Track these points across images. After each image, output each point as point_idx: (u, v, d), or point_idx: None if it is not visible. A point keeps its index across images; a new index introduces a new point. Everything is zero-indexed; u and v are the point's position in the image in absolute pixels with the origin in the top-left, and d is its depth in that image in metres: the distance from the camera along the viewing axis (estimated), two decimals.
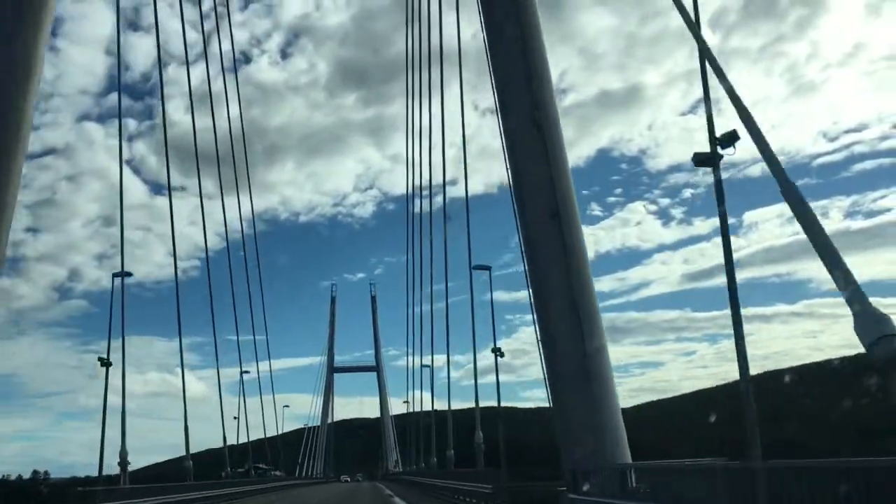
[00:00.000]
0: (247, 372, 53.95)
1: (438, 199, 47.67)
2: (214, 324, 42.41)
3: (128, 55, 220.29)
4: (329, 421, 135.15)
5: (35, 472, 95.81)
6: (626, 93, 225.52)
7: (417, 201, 55.33)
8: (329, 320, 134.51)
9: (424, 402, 62.65)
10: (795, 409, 70.53)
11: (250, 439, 61.52)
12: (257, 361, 57.70)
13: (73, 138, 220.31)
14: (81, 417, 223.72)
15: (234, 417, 53.28)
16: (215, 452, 52.63)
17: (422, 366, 57.52)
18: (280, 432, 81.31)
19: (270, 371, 67.01)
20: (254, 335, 56.05)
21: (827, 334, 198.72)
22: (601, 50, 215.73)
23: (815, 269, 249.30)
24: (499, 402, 32.19)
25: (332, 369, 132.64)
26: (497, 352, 32.63)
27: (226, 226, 48.80)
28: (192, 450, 42.22)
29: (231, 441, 51.37)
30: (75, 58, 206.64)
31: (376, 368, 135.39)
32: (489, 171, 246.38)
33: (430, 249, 44.77)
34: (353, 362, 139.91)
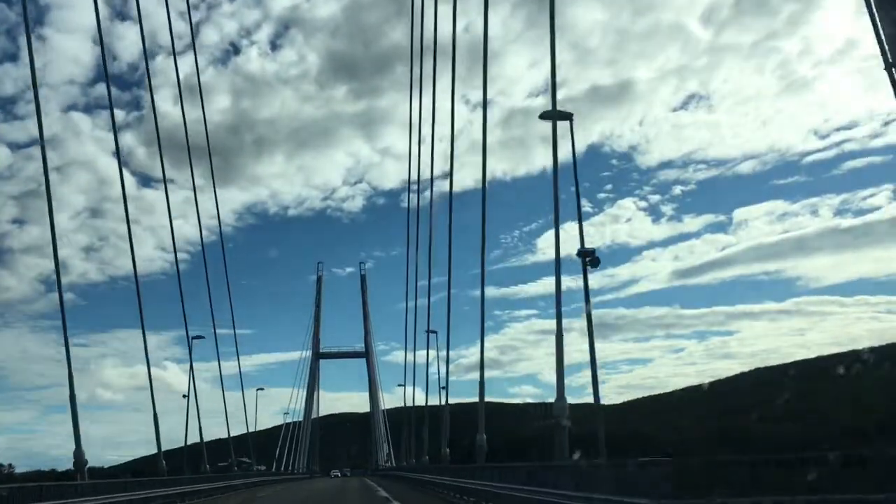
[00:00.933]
0: (200, 337, 45.10)
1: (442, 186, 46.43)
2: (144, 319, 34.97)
3: (115, 44, 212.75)
4: (315, 413, 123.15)
5: None
6: (617, 88, 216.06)
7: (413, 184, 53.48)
8: (315, 301, 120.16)
9: (422, 387, 52.58)
10: (793, 407, 66.34)
11: (233, 434, 60.98)
12: (219, 359, 52.31)
13: (60, 129, 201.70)
14: (68, 410, 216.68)
15: (184, 396, 47.90)
16: (197, 447, 51.29)
17: (428, 331, 46.67)
18: (254, 428, 72.80)
19: (239, 366, 60.17)
20: (214, 329, 49.82)
21: (815, 332, 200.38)
22: (593, 45, 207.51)
23: (803, 268, 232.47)
24: (591, 344, 19.38)
25: (317, 355, 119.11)
26: (589, 257, 21.06)
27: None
28: (176, 445, 42.94)
29: (213, 436, 51.71)
30: (62, 47, 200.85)
31: (366, 354, 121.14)
32: (478, 165, 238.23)
33: (449, 230, 37.43)
34: (340, 348, 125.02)
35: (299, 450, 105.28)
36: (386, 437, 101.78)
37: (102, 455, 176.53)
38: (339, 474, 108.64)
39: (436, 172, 51.94)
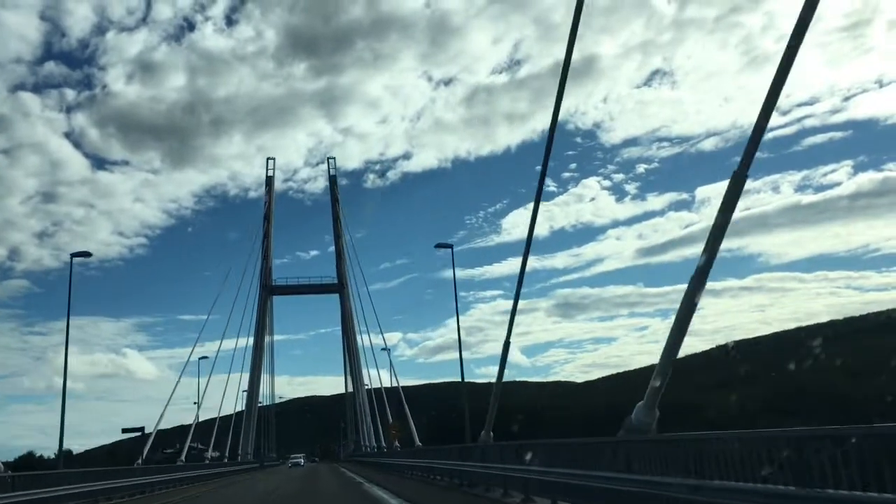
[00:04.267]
0: None
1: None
2: None
3: (64, 20, 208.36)
4: (271, 388, 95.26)
5: None
6: (581, 64, 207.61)
7: None
8: (263, 212, 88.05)
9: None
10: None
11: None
12: None
13: (8, 110, 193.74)
14: (29, 400, 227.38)
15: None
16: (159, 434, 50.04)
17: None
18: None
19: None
20: None
21: (776, 308, 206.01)
22: (556, 19, 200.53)
23: (765, 244, 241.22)
24: None
25: (269, 290, 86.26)
26: None
27: None
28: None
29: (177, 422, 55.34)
30: (8, 22, 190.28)
31: (339, 287, 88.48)
32: (442, 144, 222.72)
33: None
34: (302, 280, 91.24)
35: (248, 434, 76.82)
36: (371, 413, 73.14)
37: (72, 443, 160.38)
38: (302, 463, 79.20)
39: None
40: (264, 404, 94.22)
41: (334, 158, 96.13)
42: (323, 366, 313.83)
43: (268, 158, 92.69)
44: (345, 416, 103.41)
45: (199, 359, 59.48)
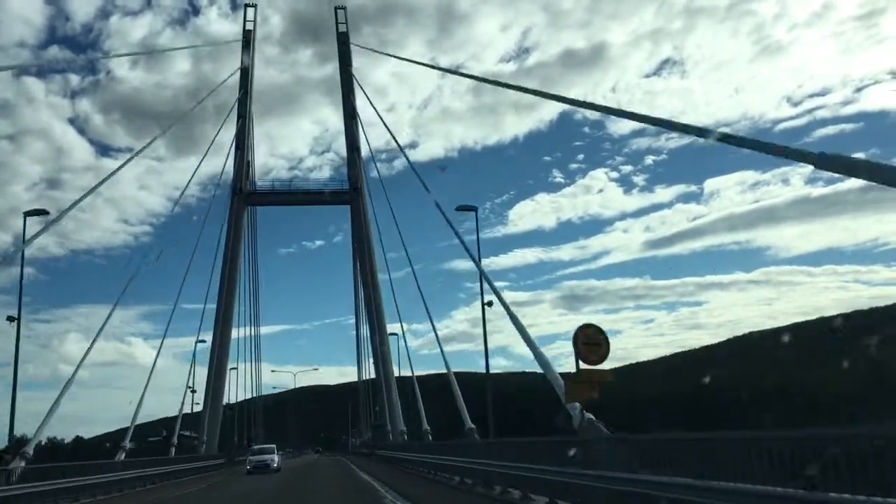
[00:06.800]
0: None
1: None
2: None
3: (69, 4, 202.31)
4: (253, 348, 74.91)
5: None
6: (590, 52, 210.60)
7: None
8: (242, 87, 65.79)
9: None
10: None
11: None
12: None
13: (13, 94, 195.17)
14: (32, 388, 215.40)
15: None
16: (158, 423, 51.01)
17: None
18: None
19: None
20: None
21: (782, 301, 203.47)
22: (566, 6, 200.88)
23: (773, 237, 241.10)
24: None
25: (245, 196, 65.09)
26: None
27: None
28: (140, 421, 39.10)
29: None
30: (12, 7, 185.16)
31: (352, 195, 65.05)
32: (448, 133, 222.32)
33: None
34: (296, 183, 70.84)
35: (205, 419, 56.41)
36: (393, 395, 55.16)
37: (74, 431, 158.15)
38: (274, 464, 43.51)
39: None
40: (252, 397, 78.48)
41: (345, 9, 70.19)
42: (330, 355, 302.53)
43: (246, 5, 68.59)
44: (356, 400, 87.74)
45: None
